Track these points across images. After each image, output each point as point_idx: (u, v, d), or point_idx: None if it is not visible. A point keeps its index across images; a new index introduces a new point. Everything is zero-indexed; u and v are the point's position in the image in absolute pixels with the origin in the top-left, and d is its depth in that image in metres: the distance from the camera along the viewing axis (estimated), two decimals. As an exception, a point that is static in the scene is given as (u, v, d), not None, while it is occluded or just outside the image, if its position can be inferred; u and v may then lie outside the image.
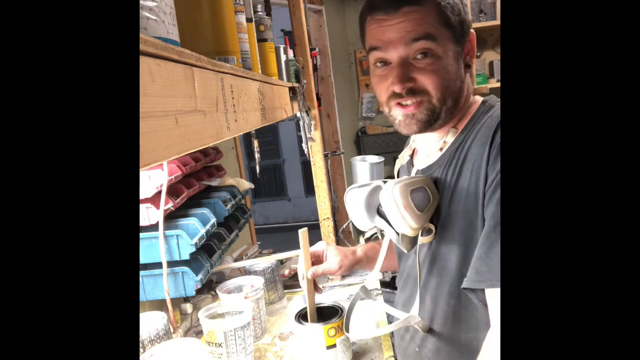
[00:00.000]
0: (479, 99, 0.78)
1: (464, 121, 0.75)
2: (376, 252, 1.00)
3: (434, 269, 0.75)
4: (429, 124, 0.73)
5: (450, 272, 0.71)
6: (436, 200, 0.72)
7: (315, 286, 0.99)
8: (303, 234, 0.95)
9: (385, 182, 0.75)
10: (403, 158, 0.89)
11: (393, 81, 0.71)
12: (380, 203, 0.72)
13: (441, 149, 0.76)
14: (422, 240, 0.73)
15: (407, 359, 0.85)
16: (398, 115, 0.74)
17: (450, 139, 0.75)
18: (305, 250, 0.96)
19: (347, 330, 0.91)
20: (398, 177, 0.90)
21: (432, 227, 0.73)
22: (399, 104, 0.73)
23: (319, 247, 1.03)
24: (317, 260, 1.00)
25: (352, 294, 1.32)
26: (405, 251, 0.76)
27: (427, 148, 0.80)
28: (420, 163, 0.81)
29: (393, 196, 0.69)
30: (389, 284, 2.19)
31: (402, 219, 0.70)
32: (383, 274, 1.59)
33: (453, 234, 0.70)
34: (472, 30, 0.74)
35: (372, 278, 0.92)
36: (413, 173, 0.82)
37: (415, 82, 0.70)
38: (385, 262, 0.89)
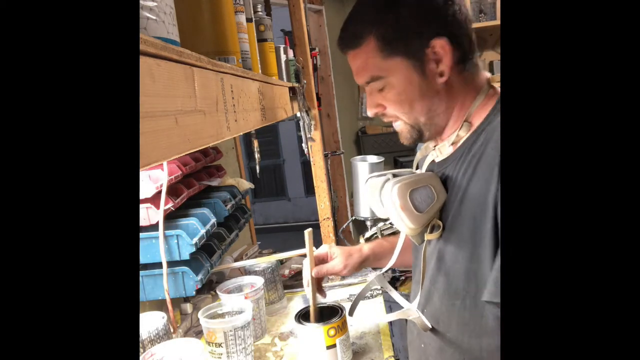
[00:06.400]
0: (498, 90, 0.75)
1: (480, 115, 0.72)
2: (384, 249, 1.00)
3: (441, 267, 0.73)
4: (418, 139, 0.76)
5: (456, 274, 0.70)
6: (441, 200, 0.71)
7: (320, 289, 0.99)
8: (309, 234, 0.94)
9: (394, 175, 0.74)
10: (427, 148, 0.85)
11: (367, 107, 0.78)
12: (381, 200, 0.72)
13: (454, 144, 0.73)
14: (428, 236, 0.73)
15: (413, 352, 0.85)
16: (395, 128, 0.79)
17: (463, 133, 0.72)
18: (310, 250, 0.96)
19: (351, 315, 0.91)
20: (417, 167, 0.88)
21: (440, 223, 0.71)
22: None
23: (322, 249, 1.03)
24: (321, 262, 1.00)
25: (353, 294, 1.33)
26: (417, 244, 0.76)
27: (441, 142, 0.77)
28: (436, 155, 0.79)
29: (391, 196, 0.69)
30: (388, 284, 2.18)
31: (400, 219, 0.70)
32: (383, 274, 1.59)
33: (461, 236, 0.68)
34: (436, 40, 0.68)
35: (389, 268, 0.91)
36: (425, 165, 0.80)
37: (384, 108, 0.75)
38: (400, 257, 0.88)
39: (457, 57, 0.70)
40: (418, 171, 0.80)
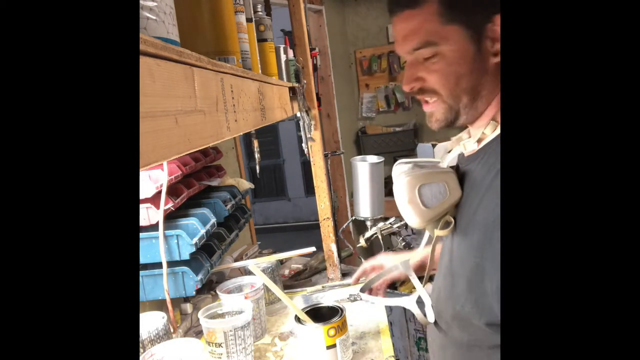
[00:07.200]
0: None
1: None
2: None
3: (451, 267, 0.70)
4: (451, 123, 0.70)
5: (459, 279, 0.67)
6: (454, 197, 0.68)
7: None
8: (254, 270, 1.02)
9: (416, 165, 0.72)
10: (460, 139, 0.77)
11: (403, 81, 0.70)
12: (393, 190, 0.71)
13: (480, 141, 0.69)
14: (437, 232, 0.70)
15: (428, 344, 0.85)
16: (425, 110, 0.72)
17: (488, 132, 0.68)
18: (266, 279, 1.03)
19: (363, 291, 0.94)
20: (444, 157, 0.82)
21: (452, 219, 0.69)
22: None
23: (378, 260, 1.07)
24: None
25: (353, 294, 1.33)
26: (431, 235, 0.74)
27: (467, 136, 0.73)
28: (462, 150, 0.75)
29: (399, 188, 0.69)
30: (388, 285, 2.18)
31: (405, 212, 0.70)
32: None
33: (471, 242, 0.64)
34: (499, 16, 0.62)
35: (420, 251, 0.91)
36: (448, 159, 0.75)
37: (424, 82, 0.68)
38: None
39: None
40: (443, 163, 0.75)
